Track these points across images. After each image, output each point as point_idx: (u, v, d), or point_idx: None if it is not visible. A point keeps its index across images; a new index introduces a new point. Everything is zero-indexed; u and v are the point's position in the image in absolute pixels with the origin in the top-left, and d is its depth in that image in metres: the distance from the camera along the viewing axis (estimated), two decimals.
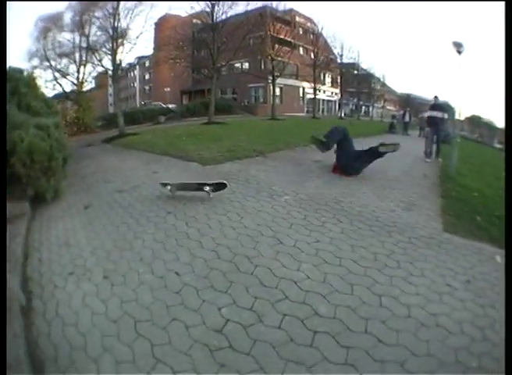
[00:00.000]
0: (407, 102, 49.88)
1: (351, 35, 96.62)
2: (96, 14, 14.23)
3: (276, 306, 1.99)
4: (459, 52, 6.70)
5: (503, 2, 2.47)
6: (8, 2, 4.09)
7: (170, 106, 31.29)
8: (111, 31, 13.47)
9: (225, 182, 3.90)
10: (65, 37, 17.34)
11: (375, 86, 47.25)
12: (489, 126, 77.56)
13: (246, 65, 33.01)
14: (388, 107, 65.35)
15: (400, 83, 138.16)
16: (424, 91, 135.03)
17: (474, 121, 79.21)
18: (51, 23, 17.35)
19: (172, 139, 9.66)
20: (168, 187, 4.01)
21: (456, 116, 8.09)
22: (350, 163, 5.42)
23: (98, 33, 14.52)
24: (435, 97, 8.83)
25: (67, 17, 16.61)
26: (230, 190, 4.05)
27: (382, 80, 50.50)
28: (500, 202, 4.38)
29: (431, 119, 8.59)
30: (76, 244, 2.94)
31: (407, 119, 21.04)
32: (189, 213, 3.42)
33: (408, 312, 1.98)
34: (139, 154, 7.92)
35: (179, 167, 5.85)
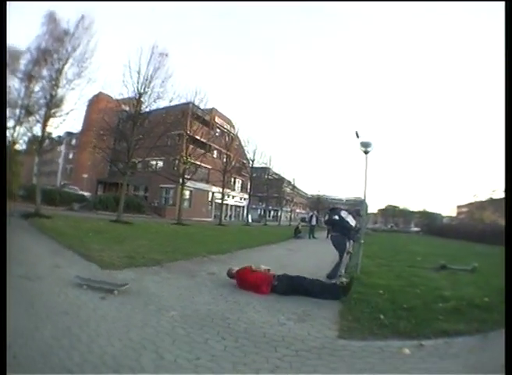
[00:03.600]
0: (318, 204, 52.00)
1: (265, 137, 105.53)
2: (44, 72, 14.79)
3: None
4: (366, 152, 6.77)
5: (503, 2, 2.62)
6: (8, 2, 4.35)
7: (85, 194, 30.66)
8: (48, 96, 14.13)
9: (127, 283, 4.85)
10: (15, 84, 16.70)
11: (285, 190, 47.78)
12: (405, 213, 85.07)
13: (160, 163, 32.80)
14: (297, 210, 66.03)
15: (311, 185, 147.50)
16: (337, 190, 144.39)
17: (389, 211, 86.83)
18: (10, 59, 16.47)
19: (81, 232, 10.31)
20: (84, 286, 4.66)
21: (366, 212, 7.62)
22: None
23: (40, 93, 14.90)
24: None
25: (23, 62, 16.23)
26: (120, 301, 4.28)
27: (292, 183, 51.25)
28: (411, 292, 4.93)
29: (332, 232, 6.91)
30: None
31: (313, 222, 21.52)
32: (82, 317, 3.60)
33: None
34: (49, 241, 8.62)
35: (80, 265, 6.20)
